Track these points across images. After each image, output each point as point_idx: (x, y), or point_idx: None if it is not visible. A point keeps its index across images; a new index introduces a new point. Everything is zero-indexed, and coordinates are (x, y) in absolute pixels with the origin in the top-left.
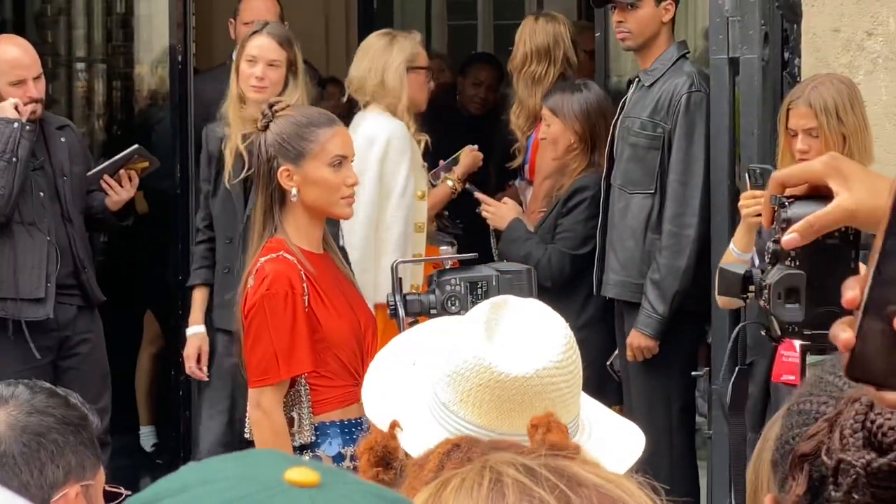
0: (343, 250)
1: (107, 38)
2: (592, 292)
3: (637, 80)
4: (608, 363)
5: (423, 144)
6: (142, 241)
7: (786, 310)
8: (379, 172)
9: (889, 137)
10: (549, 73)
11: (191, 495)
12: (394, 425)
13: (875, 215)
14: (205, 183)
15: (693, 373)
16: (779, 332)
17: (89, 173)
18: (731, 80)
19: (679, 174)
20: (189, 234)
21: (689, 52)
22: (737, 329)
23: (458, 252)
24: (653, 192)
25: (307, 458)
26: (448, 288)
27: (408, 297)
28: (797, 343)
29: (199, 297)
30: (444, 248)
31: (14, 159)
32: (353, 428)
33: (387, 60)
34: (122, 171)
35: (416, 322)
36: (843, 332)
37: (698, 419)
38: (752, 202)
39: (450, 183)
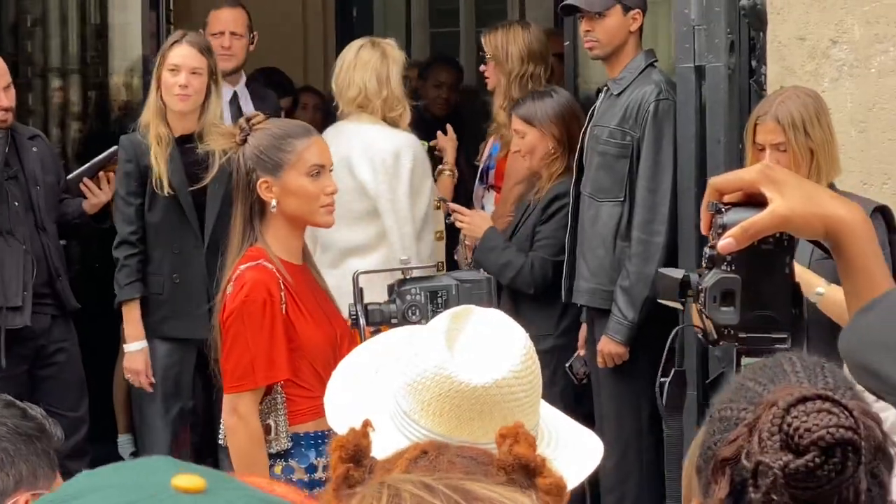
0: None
1: (82, 48)
2: None
3: (605, 88)
4: (567, 364)
5: None
6: None
7: (721, 313)
8: (411, 184)
9: (854, 144)
10: (543, 76)
11: (82, 502)
12: (367, 424)
13: (808, 221)
14: (132, 196)
15: (661, 379)
16: (714, 336)
17: (69, 176)
18: (698, 88)
19: (648, 181)
20: None
21: (656, 61)
22: (673, 332)
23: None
24: (622, 199)
25: (280, 467)
26: (408, 297)
27: (369, 307)
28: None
29: (137, 312)
30: (402, 258)
31: None
32: (327, 439)
33: (388, 72)
34: (100, 174)
35: (378, 331)
36: None
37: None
38: None
39: (447, 172)
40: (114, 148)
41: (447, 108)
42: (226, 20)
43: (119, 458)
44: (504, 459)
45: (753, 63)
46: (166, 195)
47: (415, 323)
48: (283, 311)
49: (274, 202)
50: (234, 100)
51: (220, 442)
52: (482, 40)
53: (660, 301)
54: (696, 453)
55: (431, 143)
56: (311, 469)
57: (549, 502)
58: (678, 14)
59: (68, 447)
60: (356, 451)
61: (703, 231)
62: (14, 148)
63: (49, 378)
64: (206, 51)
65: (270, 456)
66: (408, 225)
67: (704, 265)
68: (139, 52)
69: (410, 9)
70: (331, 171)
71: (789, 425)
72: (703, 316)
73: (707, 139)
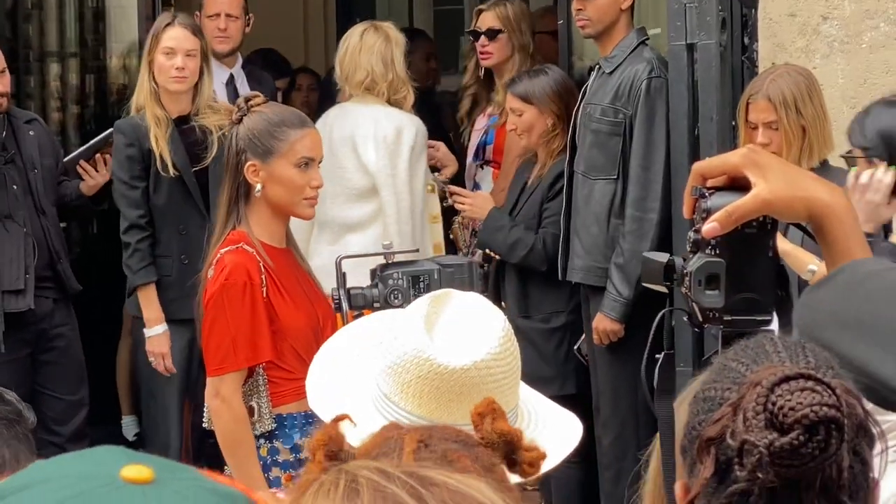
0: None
1: (80, 31)
2: None
3: (598, 67)
4: (576, 347)
5: None
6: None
7: (706, 296)
8: (410, 161)
9: (846, 121)
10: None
11: (31, 493)
12: (342, 418)
13: (791, 205)
14: (136, 180)
15: (656, 356)
16: (700, 318)
17: (66, 159)
18: (690, 65)
19: (641, 159)
20: None
21: (648, 39)
22: (660, 315)
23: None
24: (615, 177)
25: (266, 448)
26: (391, 282)
27: (351, 291)
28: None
29: (154, 295)
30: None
31: None
32: (311, 419)
33: (392, 55)
34: (97, 156)
35: (360, 315)
36: None
37: None
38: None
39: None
40: (110, 130)
41: (424, 82)
42: (222, 2)
43: (122, 439)
44: (489, 437)
45: (745, 40)
46: (171, 176)
47: (397, 307)
48: (265, 294)
49: (259, 187)
50: (231, 82)
51: (205, 425)
52: (482, 16)
53: (644, 285)
54: (681, 434)
55: (437, 180)
56: (296, 449)
57: (529, 473)
58: None
59: (69, 431)
60: (337, 450)
61: (687, 215)
62: (11, 132)
63: (50, 362)
64: (199, 32)
65: (255, 437)
66: (405, 199)
67: (689, 249)
68: (136, 34)
69: None
70: (320, 164)
71: (773, 404)
72: (689, 299)
73: (700, 116)
